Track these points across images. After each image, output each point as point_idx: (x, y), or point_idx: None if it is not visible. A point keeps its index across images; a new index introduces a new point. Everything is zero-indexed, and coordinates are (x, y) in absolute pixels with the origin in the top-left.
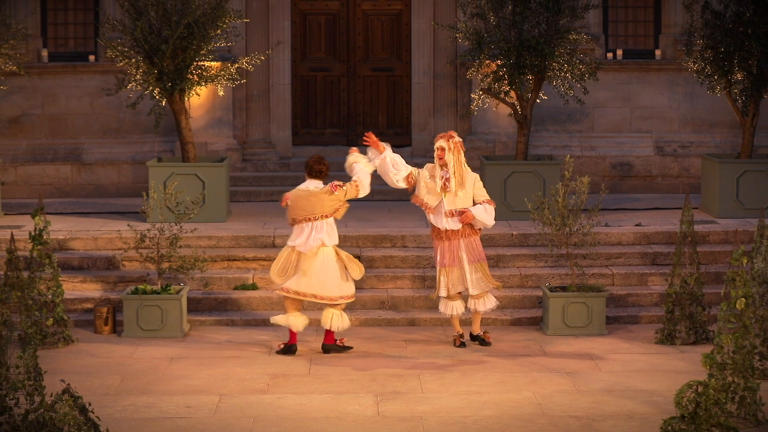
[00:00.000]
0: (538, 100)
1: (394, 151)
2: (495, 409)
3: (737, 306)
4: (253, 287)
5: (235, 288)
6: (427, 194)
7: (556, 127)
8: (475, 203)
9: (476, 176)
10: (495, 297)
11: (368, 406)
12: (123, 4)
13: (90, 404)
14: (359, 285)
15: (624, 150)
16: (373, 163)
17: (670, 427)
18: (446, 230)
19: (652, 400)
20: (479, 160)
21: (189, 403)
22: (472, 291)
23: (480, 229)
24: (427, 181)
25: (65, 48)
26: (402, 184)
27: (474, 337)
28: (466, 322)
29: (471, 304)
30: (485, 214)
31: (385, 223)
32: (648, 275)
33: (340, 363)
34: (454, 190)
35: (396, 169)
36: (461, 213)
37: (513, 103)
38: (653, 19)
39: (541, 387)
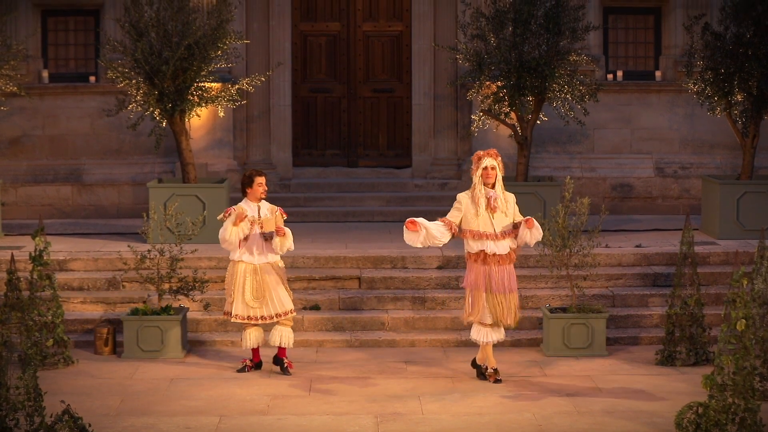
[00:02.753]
0: (538, 122)
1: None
2: (495, 431)
3: (738, 327)
4: None
5: None
6: (473, 221)
7: (556, 148)
8: (513, 224)
9: (514, 197)
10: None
11: (368, 428)
12: (124, 25)
13: (90, 425)
14: (359, 305)
15: (624, 171)
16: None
17: None
18: (494, 255)
19: (652, 421)
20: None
21: (189, 425)
22: (504, 320)
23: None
24: (469, 209)
25: (66, 69)
26: (447, 239)
27: (475, 365)
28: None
29: (496, 334)
30: (538, 225)
31: (385, 244)
32: (648, 296)
33: (341, 384)
34: (502, 211)
35: (438, 238)
36: (515, 226)
37: (513, 125)
38: (653, 40)
39: (542, 408)
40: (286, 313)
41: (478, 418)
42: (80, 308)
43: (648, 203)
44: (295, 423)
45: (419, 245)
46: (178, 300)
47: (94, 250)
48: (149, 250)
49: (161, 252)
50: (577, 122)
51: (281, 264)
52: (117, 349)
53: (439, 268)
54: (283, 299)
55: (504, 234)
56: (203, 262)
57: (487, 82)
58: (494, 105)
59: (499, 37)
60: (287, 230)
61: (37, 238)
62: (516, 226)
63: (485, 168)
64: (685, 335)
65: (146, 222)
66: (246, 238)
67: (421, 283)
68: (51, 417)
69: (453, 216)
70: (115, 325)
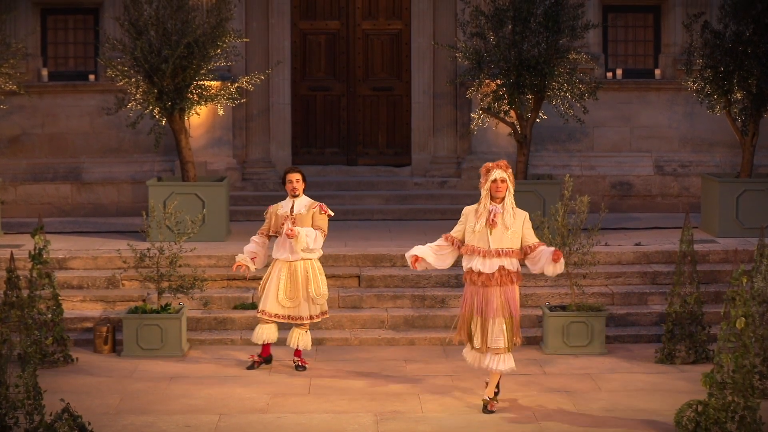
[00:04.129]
0: (537, 120)
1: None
2: (495, 429)
3: (737, 325)
4: (253, 306)
5: (235, 307)
6: (471, 235)
7: (555, 146)
8: (522, 246)
9: (526, 215)
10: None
11: (368, 426)
12: (123, 24)
13: (89, 423)
14: (359, 304)
15: (624, 169)
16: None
17: None
18: (479, 273)
19: (652, 419)
20: (479, 180)
21: (189, 423)
22: (491, 344)
23: (521, 278)
24: (470, 222)
25: (65, 67)
26: (452, 257)
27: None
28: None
29: (488, 361)
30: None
31: (384, 243)
32: (648, 294)
33: (340, 382)
34: (504, 227)
35: (443, 263)
36: (507, 253)
37: (513, 123)
38: (653, 38)
39: (542, 406)
40: (302, 318)
41: (478, 416)
42: (80, 307)
43: (647, 201)
44: (294, 421)
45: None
46: (178, 298)
47: (94, 249)
48: (149, 249)
49: (161, 250)
50: (576, 120)
51: (317, 264)
52: (116, 348)
53: None
54: (303, 305)
55: (500, 253)
56: (203, 261)
57: (487, 81)
58: (494, 103)
59: (498, 35)
60: (303, 230)
61: (37, 237)
62: (529, 249)
63: (494, 181)
64: (685, 333)
65: (146, 220)
66: (279, 234)
67: (420, 282)
68: (50, 415)
69: (456, 231)
70: (115, 323)
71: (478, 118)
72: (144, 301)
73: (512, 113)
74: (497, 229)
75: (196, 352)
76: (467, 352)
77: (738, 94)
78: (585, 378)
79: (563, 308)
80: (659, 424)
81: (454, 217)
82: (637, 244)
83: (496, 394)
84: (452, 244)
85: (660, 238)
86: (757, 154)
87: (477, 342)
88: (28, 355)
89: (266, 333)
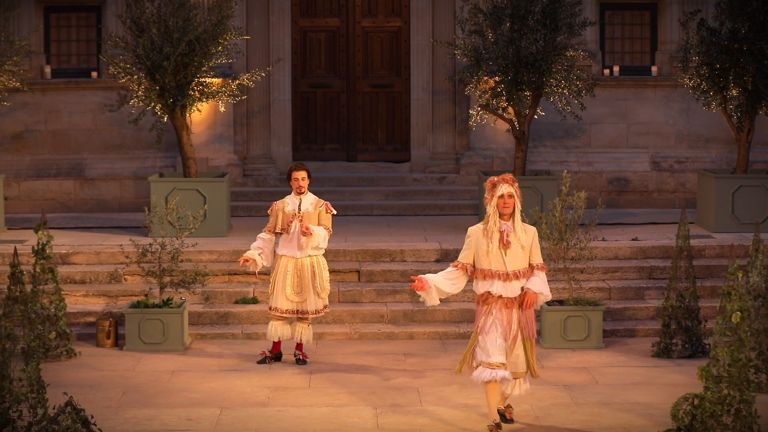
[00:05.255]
0: (535, 116)
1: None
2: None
3: (733, 319)
4: (254, 301)
5: (236, 302)
6: (484, 259)
7: (553, 142)
8: (529, 264)
9: (535, 230)
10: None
11: (368, 419)
12: (125, 22)
13: (92, 417)
14: (359, 298)
15: (621, 165)
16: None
17: None
18: (500, 297)
19: (648, 412)
20: (477, 176)
21: (190, 416)
22: (515, 368)
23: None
24: (480, 244)
25: (68, 64)
26: (463, 284)
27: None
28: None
29: (507, 387)
30: (544, 286)
31: (384, 238)
32: (645, 289)
33: (340, 376)
34: (518, 246)
35: (451, 291)
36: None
37: (511, 119)
38: (650, 36)
39: (539, 400)
40: (306, 313)
41: (476, 409)
42: (82, 301)
43: (644, 197)
44: (295, 414)
45: (437, 302)
46: (179, 293)
47: (96, 244)
48: (151, 244)
49: (162, 245)
50: (573, 117)
51: (322, 261)
52: (119, 342)
53: (438, 261)
54: (309, 300)
55: (517, 275)
56: (204, 256)
57: (485, 78)
58: (492, 100)
59: (496, 32)
60: (316, 229)
61: (40, 232)
62: (531, 267)
63: (501, 196)
64: (681, 327)
65: (148, 216)
66: (287, 232)
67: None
68: (54, 409)
69: (465, 256)
70: (117, 317)
71: (477, 115)
72: (146, 295)
73: (510, 110)
74: (512, 249)
75: (197, 346)
76: (480, 372)
77: (734, 91)
78: (582, 372)
79: (561, 303)
80: (656, 417)
81: (453, 212)
82: (634, 240)
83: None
84: (465, 271)
85: (657, 234)
86: (753, 150)
87: (499, 359)
88: (32, 349)
89: (280, 330)
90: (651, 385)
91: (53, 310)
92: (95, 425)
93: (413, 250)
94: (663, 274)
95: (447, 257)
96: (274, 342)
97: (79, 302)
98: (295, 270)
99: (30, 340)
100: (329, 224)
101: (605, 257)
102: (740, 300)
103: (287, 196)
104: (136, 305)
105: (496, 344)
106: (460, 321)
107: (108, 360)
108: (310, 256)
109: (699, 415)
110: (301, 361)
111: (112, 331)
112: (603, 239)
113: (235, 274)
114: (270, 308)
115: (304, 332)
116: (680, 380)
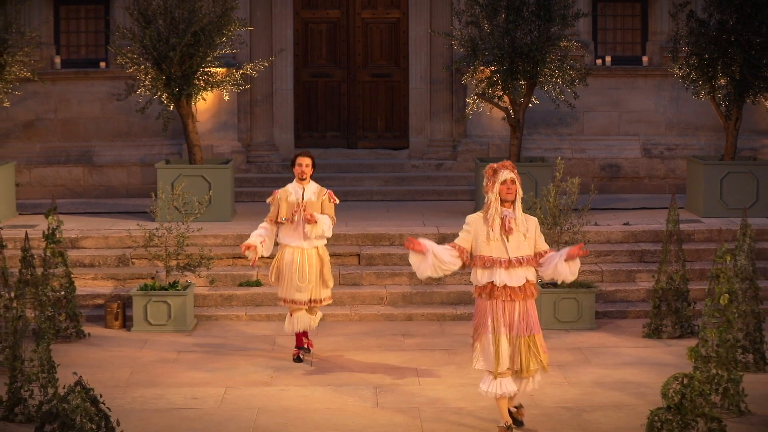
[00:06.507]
0: (530, 105)
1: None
2: (489, 400)
3: (721, 301)
4: (257, 284)
5: (240, 285)
6: (485, 246)
7: (547, 130)
8: (534, 253)
9: (536, 220)
10: None
11: (368, 398)
12: (132, 13)
13: (101, 396)
14: (359, 281)
15: (612, 152)
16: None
17: (656, 418)
18: (504, 287)
19: (639, 391)
20: (474, 162)
21: (196, 395)
22: (516, 366)
23: (538, 290)
24: (480, 231)
25: (77, 55)
26: (456, 267)
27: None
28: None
29: (518, 383)
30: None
31: (383, 223)
32: (636, 272)
33: (341, 357)
34: (520, 233)
35: (447, 262)
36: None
37: (506, 108)
38: (640, 27)
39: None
40: (317, 302)
41: (473, 388)
42: (91, 284)
43: (635, 183)
44: (297, 394)
45: (430, 272)
46: (185, 276)
47: (105, 229)
48: (157, 229)
49: (169, 230)
50: (567, 105)
51: (324, 252)
52: (126, 323)
53: None
54: (318, 287)
55: (520, 262)
56: (209, 240)
57: (481, 67)
58: (488, 89)
59: (492, 23)
60: (321, 217)
61: (50, 217)
62: (540, 255)
63: (504, 182)
64: (671, 309)
65: (154, 201)
66: (291, 221)
67: None
68: (64, 388)
69: (463, 240)
70: (125, 300)
71: (473, 103)
72: (153, 278)
73: (506, 98)
74: (514, 235)
75: (202, 328)
76: (485, 383)
77: (722, 81)
78: (575, 352)
79: (554, 285)
80: (646, 396)
81: (450, 198)
82: (625, 224)
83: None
84: (460, 253)
85: (647, 218)
86: (740, 138)
87: (505, 365)
88: (42, 330)
89: (303, 320)
90: (642, 365)
91: (63, 292)
92: (104, 404)
93: (412, 234)
94: (653, 258)
95: (445, 241)
96: (297, 334)
97: (88, 285)
98: (302, 260)
99: (41, 321)
100: (332, 213)
101: (598, 241)
102: (728, 282)
103: (289, 185)
104: (144, 288)
105: (501, 348)
106: (458, 303)
107: (116, 341)
108: (316, 247)
109: (688, 393)
110: (305, 350)
111: (120, 313)
112: (595, 224)
113: (239, 257)
114: (284, 301)
115: (313, 320)
116: (670, 360)
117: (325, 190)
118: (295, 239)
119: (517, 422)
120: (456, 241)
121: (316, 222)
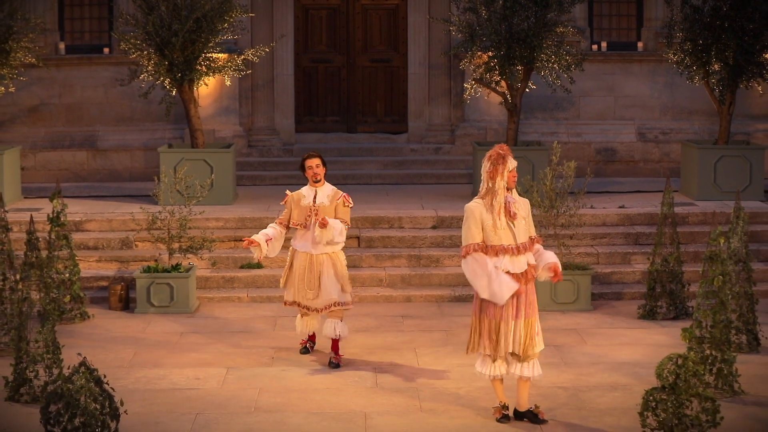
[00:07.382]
0: (527, 90)
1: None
2: (487, 381)
3: (715, 283)
4: (258, 266)
5: (242, 267)
6: (492, 234)
7: (544, 114)
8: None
9: (528, 201)
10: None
11: (367, 378)
12: (135, 0)
13: (105, 376)
14: (359, 263)
15: (608, 136)
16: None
17: (651, 397)
18: (508, 273)
19: (634, 371)
20: (472, 146)
21: (198, 375)
22: (516, 350)
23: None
24: (486, 220)
25: (81, 41)
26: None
27: (521, 414)
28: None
29: (516, 368)
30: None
31: (382, 206)
32: (631, 254)
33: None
34: (521, 217)
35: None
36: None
37: (503, 92)
38: (636, 13)
39: None
40: (329, 306)
41: (471, 369)
42: (95, 266)
43: (630, 167)
44: (298, 374)
45: (506, 291)
46: (188, 258)
47: (108, 212)
48: (160, 212)
49: (171, 213)
50: (563, 90)
51: (341, 256)
52: (130, 305)
53: (434, 227)
54: (331, 291)
55: (525, 247)
56: (211, 223)
57: (479, 53)
58: (485, 74)
59: (489, 9)
60: (332, 222)
61: (55, 201)
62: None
63: (511, 171)
64: (666, 291)
65: (157, 185)
66: (305, 226)
67: (416, 242)
68: (68, 369)
69: (477, 235)
70: (128, 282)
71: (471, 88)
72: (156, 261)
73: (503, 83)
74: (518, 220)
75: (204, 309)
76: (481, 363)
77: (716, 66)
78: (572, 333)
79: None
80: (641, 376)
81: (448, 181)
82: (620, 207)
83: (536, 406)
84: (484, 250)
85: (642, 201)
86: (734, 122)
87: (505, 347)
88: (47, 312)
89: (309, 324)
90: (637, 346)
91: (68, 274)
92: (108, 384)
93: (410, 217)
94: (648, 240)
95: (443, 224)
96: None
97: (92, 267)
98: (309, 266)
99: (46, 303)
100: (347, 217)
101: (593, 224)
102: (722, 265)
103: (303, 188)
104: (147, 270)
105: (501, 332)
106: (456, 284)
107: (120, 322)
108: (326, 253)
109: (682, 374)
110: (333, 364)
111: (124, 294)
112: (591, 207)
113: (241, 240)
114: (287, 303)
115: (336, 326)
116: (665, 341)
117: (340, 193)
118: (304, 245)
119: (538, 420)
120: (470, 241)
121: (327, 225)
